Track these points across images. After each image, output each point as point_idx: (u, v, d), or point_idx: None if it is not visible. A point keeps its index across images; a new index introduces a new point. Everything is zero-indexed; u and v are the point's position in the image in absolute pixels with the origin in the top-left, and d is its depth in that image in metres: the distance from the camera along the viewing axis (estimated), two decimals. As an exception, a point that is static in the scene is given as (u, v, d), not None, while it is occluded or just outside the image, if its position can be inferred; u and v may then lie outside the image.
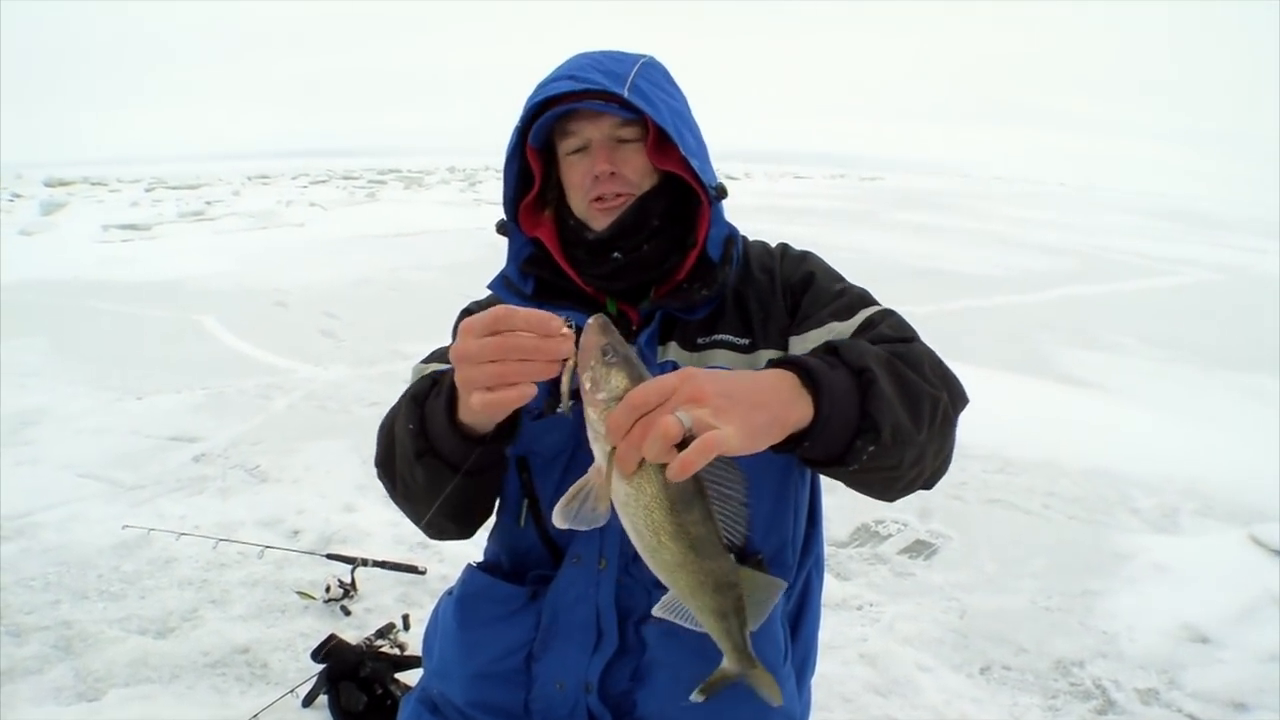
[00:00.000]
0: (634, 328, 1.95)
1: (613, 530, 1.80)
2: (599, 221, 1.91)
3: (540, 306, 1.81)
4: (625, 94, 1.79)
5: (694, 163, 1.85)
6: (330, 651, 3.51)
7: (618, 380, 1.28)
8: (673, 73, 2.01)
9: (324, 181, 39.99)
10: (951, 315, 11.66)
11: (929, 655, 4.09)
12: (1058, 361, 9.49)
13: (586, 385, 1.30)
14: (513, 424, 1.69)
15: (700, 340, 1.92)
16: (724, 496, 1.32)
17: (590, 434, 1.31)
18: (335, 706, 3.40)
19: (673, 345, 1.92)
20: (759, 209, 26.68)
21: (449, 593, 2.11)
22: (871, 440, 1.44)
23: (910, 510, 5.47)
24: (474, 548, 2.19)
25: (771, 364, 1.48)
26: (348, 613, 4.28)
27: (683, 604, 1.43)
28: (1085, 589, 4.74)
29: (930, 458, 1.63)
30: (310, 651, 3.62)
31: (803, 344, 1.85)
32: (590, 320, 1.33)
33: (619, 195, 1.89)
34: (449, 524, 1.91)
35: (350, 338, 10.06)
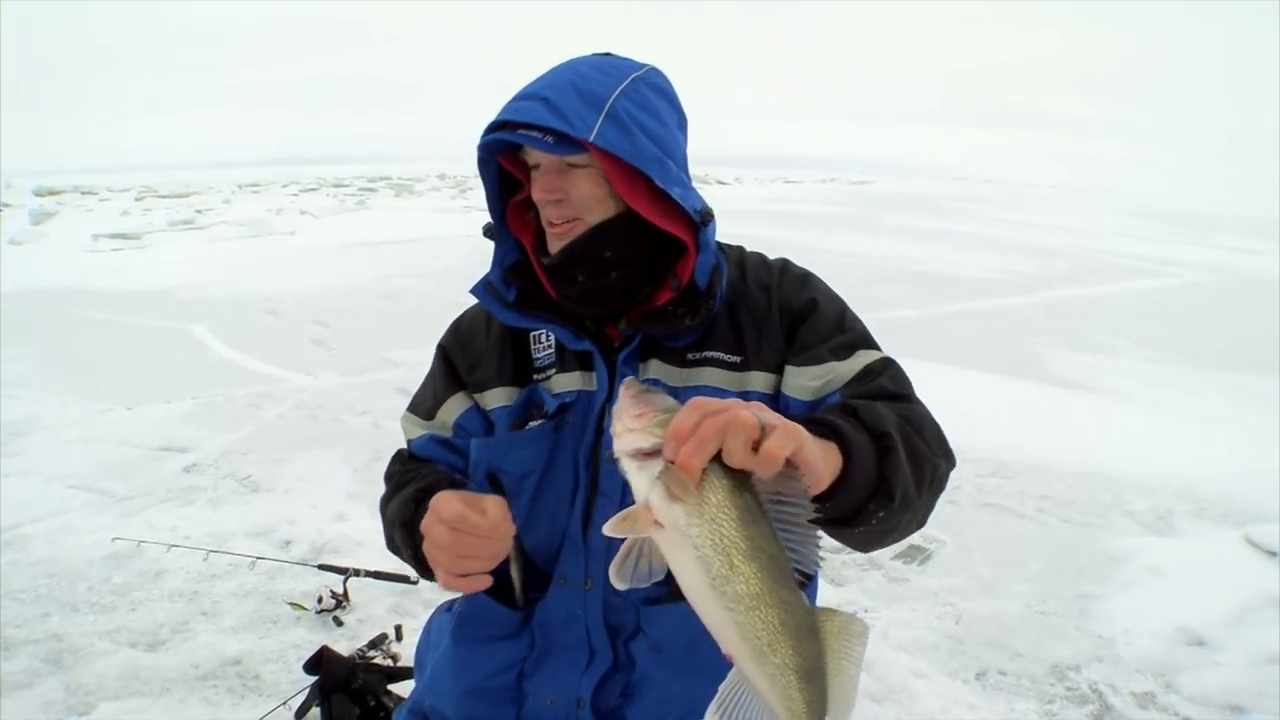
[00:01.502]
0: (615, 345, 1.92)
1: (596, 549, 1.84)
2: (551, 244, 1.88)
3: (520, 317, 1.95)
4: (592, 135, 1.70)
5: (675, 192, 1.78)
6: (322, 663, 3.48)
7: (666, 399, 1.21)
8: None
9: (314, 189, 40.03)
10: (944, 318, 11.67)
11: (924, 661, 4.07)
12: (1051, 364, 9.49)
13: (628, 412, 1.19)
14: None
15: (690, 356, 1.88)
16: (788, 519, 1.12)
17: (631, 467, 1.16)
18: (328, 719, 3.37)
19: (655, 363, 1.88)
20: (750, 214, 26.73)
21: (445, 608, 2.11)
22: (884, 505, 1.42)
23: (904, 515, 5.45)
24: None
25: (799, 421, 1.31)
26: (340, 623, 4.25)
27: (745, 681, 1.14)
28: (1080, 593, 4.73)
29: (920, 518, 1.63)
30: (302, 663, 3.60)
31: (800, 377, 1.82)
32: (626, 379, 1.28)
33: (567, 221, 1.83)
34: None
35: (341, 346, 10.03)
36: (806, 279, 2.01)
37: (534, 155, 1.82)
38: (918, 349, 9.28)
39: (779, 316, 1.90)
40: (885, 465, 1.43)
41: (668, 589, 1.75)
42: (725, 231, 1.99)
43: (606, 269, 1.84)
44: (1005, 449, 6.62)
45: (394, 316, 11.75)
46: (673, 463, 1.10)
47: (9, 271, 15.23)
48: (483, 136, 1.84)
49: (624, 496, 1.77)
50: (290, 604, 4.41)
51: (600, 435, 1.87)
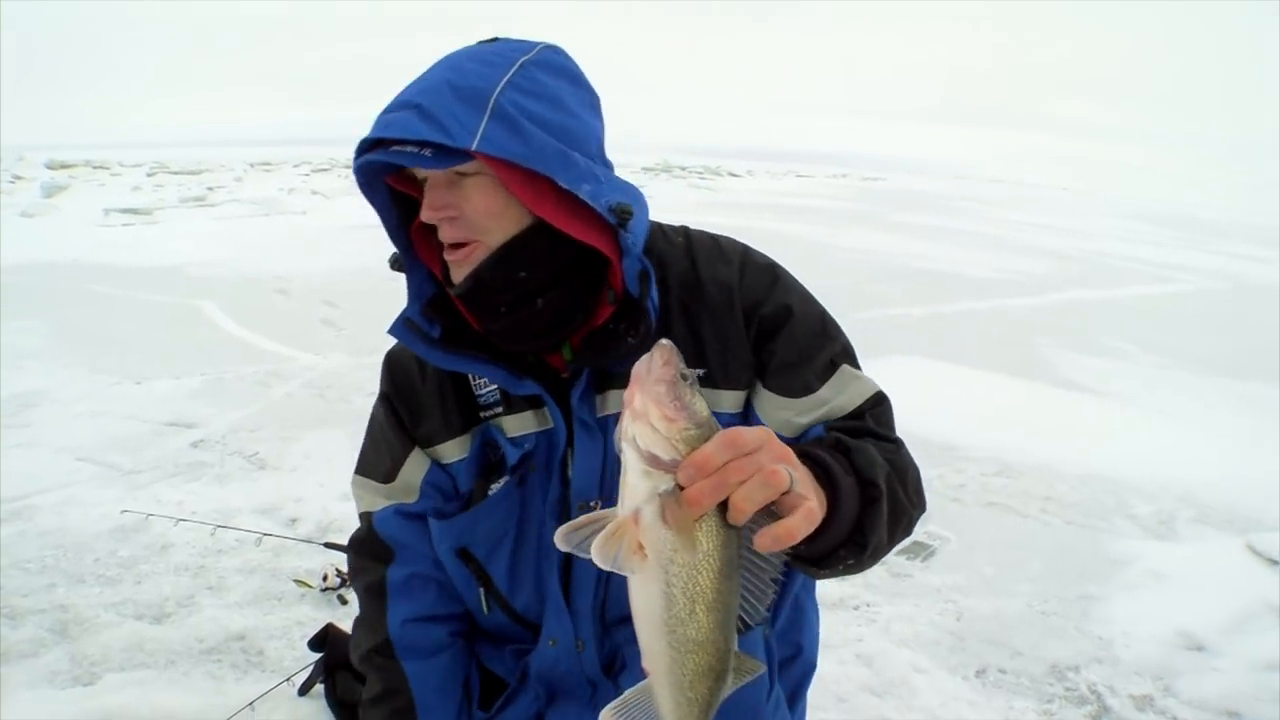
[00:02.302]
0: (564, 375, 1.74)
1: (581, 612, 1.75)
2: (454, 272, 1.66)
3: (449, 357, 1.72)
4: (474, 143, 1.47)
5: (583, 190, 1.55)
6: (327, 640, 3.51)
7: (702, 408, 1.09)
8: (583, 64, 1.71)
9: (326, 170, 39.98)
10: (951, 317, 11.66)
11: (925, 657, 4.08)
12: (1057, 366, 9.48)
13: (656, 405, 1.06)
14: None
15: None
16: (757, 567, 1.11)
17: (635, 465, 1.08)
18: (331, 696, 3.39)
19: (614, 393, 1.71)
20: (760, 207, 26.70)
21: None
22: (855, 554, 1.38)
23: (908, 512, 5.46)
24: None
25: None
26: (344, 602, 4.26)
27: (652, 698, 1.16)
28: (1082, 594, 4.74)
29: (878, 560, 1.52)
30: (306, 640, 3.62)
31: (785, 410, 1.67)
32: (661, 341, 1.11)
33: (464, 245, 1.61)
34: None
35: (350, 326, 10.04)
36: (773, 274, 1.79)
37: (419, 170, 1.62)
38: (924, 347, 9.31)
39: (745, 322, 1.72)
40: (865, 515, 1.37)
41: None
42: (735, 225, 1.86)
43: (528, 295, 1.63)
44: (1010, 449, 6.62)
45: (403, 298, 11.67)
46: (681, 488, 1.04)
47: (19, 244, 15.25)
48: (354, 160, 1.61)
49: None
50: (295, 581, 4.42)
51: (566, 485, 1.73)
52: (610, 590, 1.75)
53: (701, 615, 1.08)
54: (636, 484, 1.08)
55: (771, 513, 1.07)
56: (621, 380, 1.53)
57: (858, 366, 1.72)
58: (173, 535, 4.81)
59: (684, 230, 1.85)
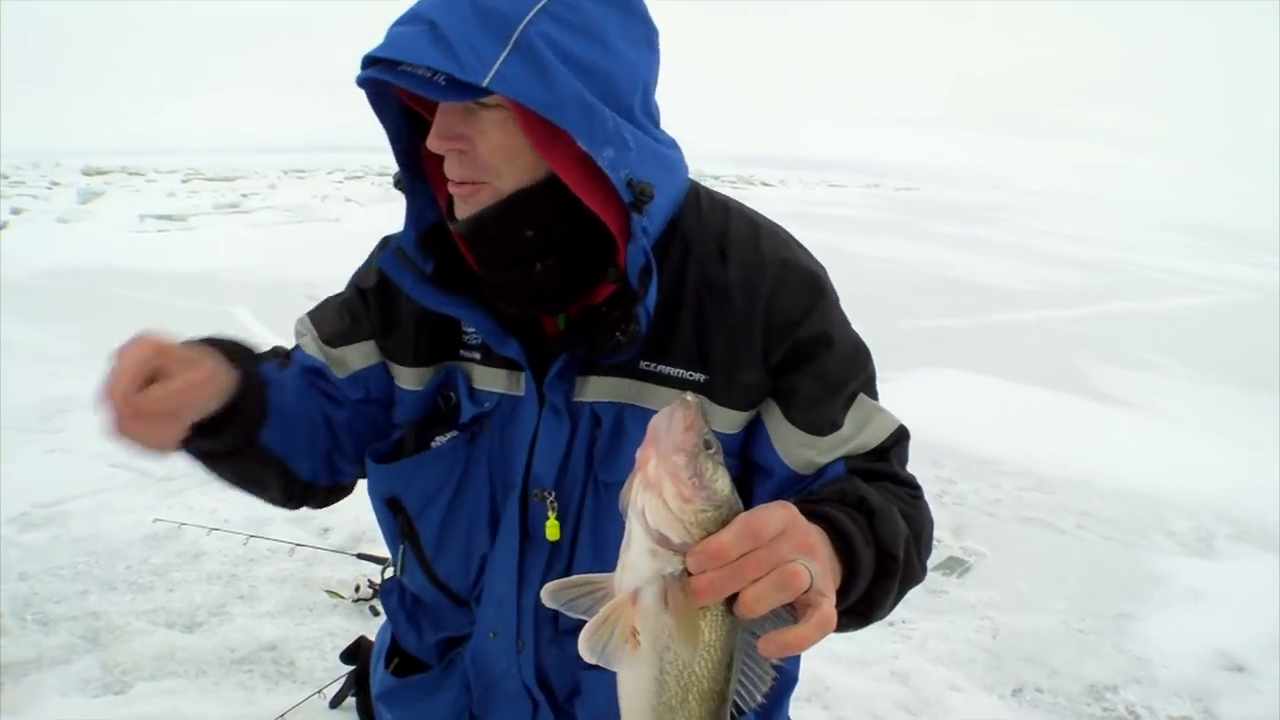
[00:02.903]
0: (548, 346, 1.52)
1: (527, 610, 1.58)
2: (458, 208, 1.45)
3: (437, 295, 1.52)
4: (487, 79, 1.24)
5: (605, 153, 1.31)
6: (360, 653, 3.50)
7: (723, 485, 0.98)
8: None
9: (359, 177, 40.09)
10: (986, 329, 11.59)
11: (961, 675, 4.05)
12: (1093, 379, 9.42)
13: (673, 480, 0.96)
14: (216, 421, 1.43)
15: (643, 366, 1.49)
16: (755, 657, 1.00)
17: (641, 541, 0.98)
18: (363, 709, 3.38)
19: (595, 379, 1.51)
20: (793, 215, 26.60)
21: (376, 652, 1.92)
22: (858, 623, 1.30)
23: (944, 527, 5.42)
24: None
25: (812, 513, 1.13)
26: (376, 613, 4.25)
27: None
28: (1119, 611, 4.69)
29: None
30: (338, 651, 3.61)
31: (807, 449, 1.47)
32: (685, 397, 0.99)
33: (472, 184, 1.40)
34: (255, 496, 1.67)
35: (383, 334, 10.05)
36: (817, 290, 1.54)
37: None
38: (959, 359, 9.26)
39: (764, 336, 1.49)
40: (876, 588, 1.26)
41: None
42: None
43: (528, 256, 1.43)
44: (1046, 463, 6.57)
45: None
46: (689, 573, 0.95)
47: (56, 249, 15.34)
48: (360, 73, 1.36)
49: (554, 546, 1.54)
50: (327, 591, 4.42)
51: (530, 470, 1.55)
52: None
53: (694, 704, 1.00)
54: (639, 562, 0.98)
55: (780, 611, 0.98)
56: (606, 369, 1.49)
57: (876, 396, 1.56)
58: (205, 543, 4.82)
59: (725, 205, 1.59)
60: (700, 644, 0.97)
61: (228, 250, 15.97)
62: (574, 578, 1.03)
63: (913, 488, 1.49)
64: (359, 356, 1.68)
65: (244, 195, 28.75)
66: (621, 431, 1.50)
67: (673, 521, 0.95)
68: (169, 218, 21.20)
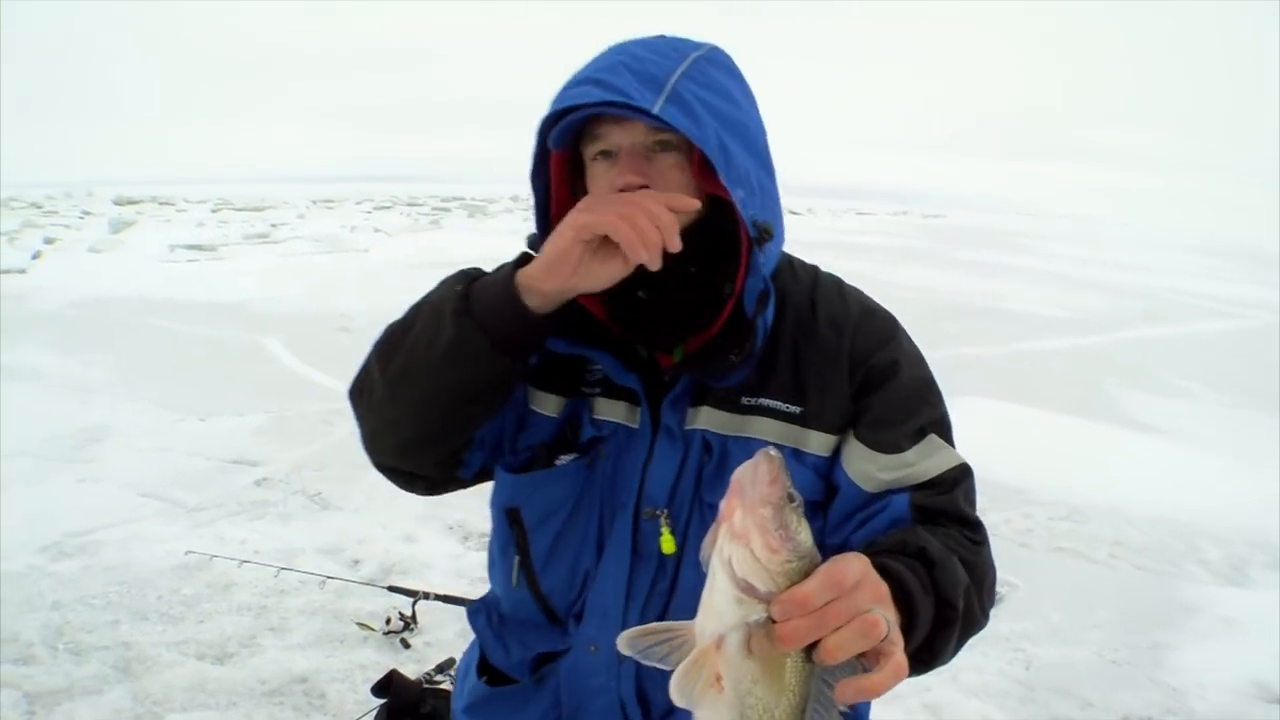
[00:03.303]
0: (664, 378, 1.66)
1: (632, 622, 1.63)
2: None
3: (566, 343, 1.66)
4: (656, 108, 1.43)
5: (737, 193, 1.48)
6: (391, 686, 3.49)
7: (806, 537, 1.02)
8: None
9: (388, 207, 40.38)
10: (1017, 356, 11.56)
11: (994, 707, 4.01)
12: (1124, 406, 9.37)
13: (760, 533, 1.00)
14: (559, 318, 1.53)
15: (745, 401, 1.63)
16: (827, 699, 1.03)
17: (726, 589, 1.02)
18: (393, 741, 3.37)
19: (706, 409, 1.64)
20: (822, 244, 26.66)
21: (463, 668, 1.96)
22: (917, 670, 1.28)
23: (974, 556, 5.39)
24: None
25: (873, 560, 1.14)
26: (407, 646, 4.26)
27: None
28: (1153, 642, 4.65)
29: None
30: (369, 684, 3.60)
31: (868, 464, 1.57)
32: (769, 451, 1.04)
33: None
34: (417, 444, 1.69)
35: (411, 364, 10.08)
36: (891, 328, 1.72)
37: (613, 138, 1.55)
38: (989, 387, 9.21)
39: (849, 367, 1.65)
40: (936, 637, 1.30)
41: None
42: (798, 261, 1.80)
43: (679, 286, 1.57)
44: (1078, 492, 6.53)
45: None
46: (773, 621, 0.99)
47: (88, 279, 15.48)
48: (541, 131, 1.57)
49: (662, 561, 1.63)
50: (358, 624, 4.43)
51: (642, 490, 1.65)
52: (669, 613, 1.65)
53: None
54: (725, 609, 1.02)
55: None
56: (717, 396, 1.62)
57: (950, 441, 1.65)
58: (235, 574, 4.83)
59: (814, 270, 1.80)
60: (783, 689, 1.01)
61: (257, 280, 16.09)
62: (652, 625, 1.08)
63: (975, 529, 1.56)
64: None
65: (273, 225, 29.00)
66: (727, 458, 1.60)
67: (759, 571, 0.99)
68: (199, 247, 21.39)
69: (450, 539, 5.46)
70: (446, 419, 1.62)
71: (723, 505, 1.03)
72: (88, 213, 32.73)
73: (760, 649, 1.00)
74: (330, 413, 7.96)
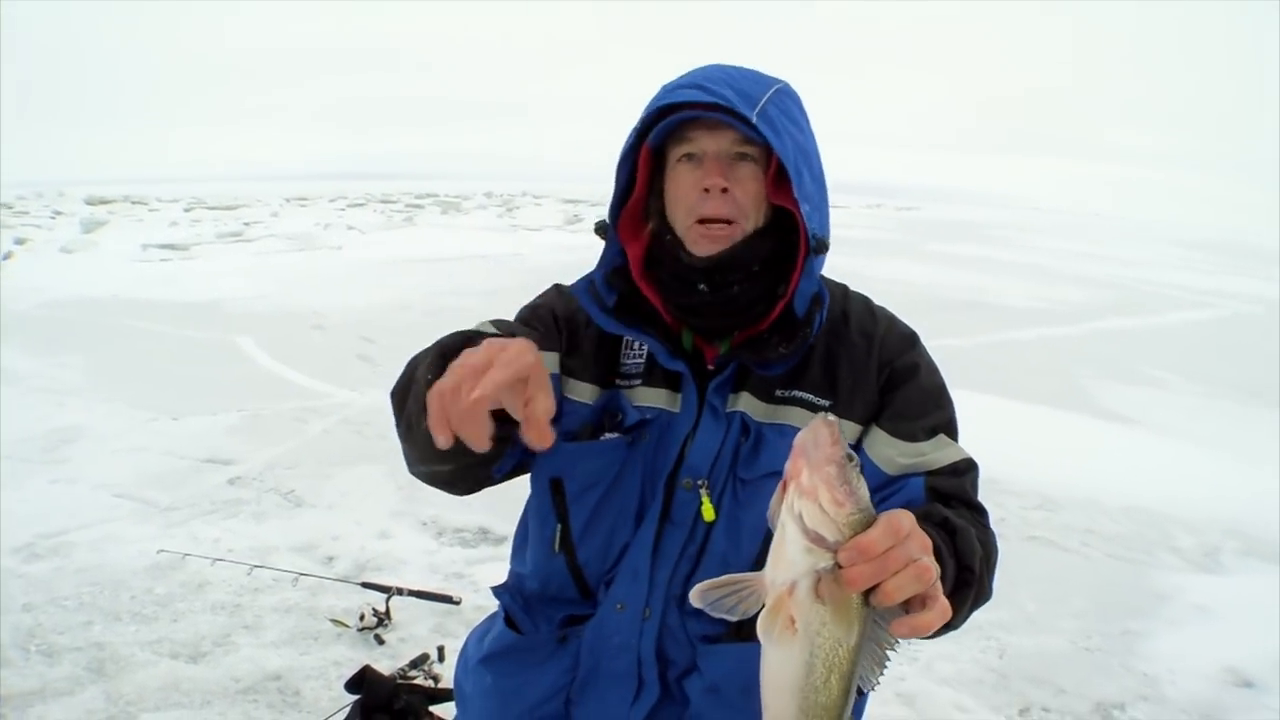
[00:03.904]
0: (709, 367, 1.84)
1: (660, 583, 1.77)
2: (700, 247, 1.76)
3: (618, 324, 1.84)
4: (753, 118, 1.64)
5: (804, 207, 1.70)
6: (365, 682, 3.48)
7: (865, 492, 1.14)
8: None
9: (362, 205, 40.20)
10: (990, 347, 11.60)
11: (968, 695, 4.03)
12: (1097, 396, 9.42)
13: (827, 488, 1.11)
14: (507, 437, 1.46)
15: (779, 393, 1.79)
16: (878, 639, 1.17)
17: (797, 540, 1.12)
18: (367, 738, 3.36)
19: (745, 395, 1.80)
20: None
21: (479, 635, 2.04)
22: (936, 634, 1.33)
23: (948, 546, 5.40)
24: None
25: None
26: (381, 642, 4.25)
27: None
28: (1126, 629, 4.68)
29: None
30: (343, 681, 3.60)
31: (888, 448, 1.75)
32: (827, 417, 1.16)
33: (728, 223, 1.73)
34: (442, 485, 1.79)
35: (387, 363, 10.03)
36: (913, 339, 1.92)
37: (702, 142, 1.74)
38: (962, 378, 9.19)
39: (877, 369, 1.83)
40: (954, 598, 1.39)
41: (728, 627, 1.72)
42: (833, 281, 1.92)
43: (738, 281, 1.76)
44: (1051, 482, 6.56)
45: (440, 334, 11.71)
46: (839, 567, 1.11)
47: (60, 280, 15.37)
48: (640, 125, 1.78)
49: (694, 527, 1.76)
50: (332, 621, 4.42)
51: (680, 463, 1.80)
52: (697, 576, 1.74)
53: (835, 684, 1.14)
54: (796, 558, 1.12)
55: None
56: (755, 385, 1.79)
57: (957, 440, 1.83)
58: (209, 573, 4.82)
59: (844, 286, 1.98)
60: (849, 628, 1.13)
61: (231, 279, 16.01)
62: (723, 578, 1.20)
63: (982, 514, 1.74)
64: (547, 362, 1.81)
65: (246, 224, 28.84)
66: (762, 440, 1.77)
67: (828, 523, 1.11)
68: (172, 247, 21.27)
69: (424, 535, 5.45)
70: (457, 472, 1.72)
71: (788, 466, 1.15)
72: (59, 212, 32.47)
73: (831, 594, 1.11)
74: (304, 410, 7.94)
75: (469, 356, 1.28)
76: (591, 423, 1.88)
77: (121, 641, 4.23)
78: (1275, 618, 4.79)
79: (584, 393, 1.90)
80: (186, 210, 36.08)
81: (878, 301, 1.98)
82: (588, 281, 1.89)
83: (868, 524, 1.11)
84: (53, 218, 30.45)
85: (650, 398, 1.86)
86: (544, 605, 1.92)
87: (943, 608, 1.14)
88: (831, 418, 1.15)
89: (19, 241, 21.65)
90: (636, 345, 1.91)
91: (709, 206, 1.73)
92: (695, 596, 1.19)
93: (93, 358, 9.81)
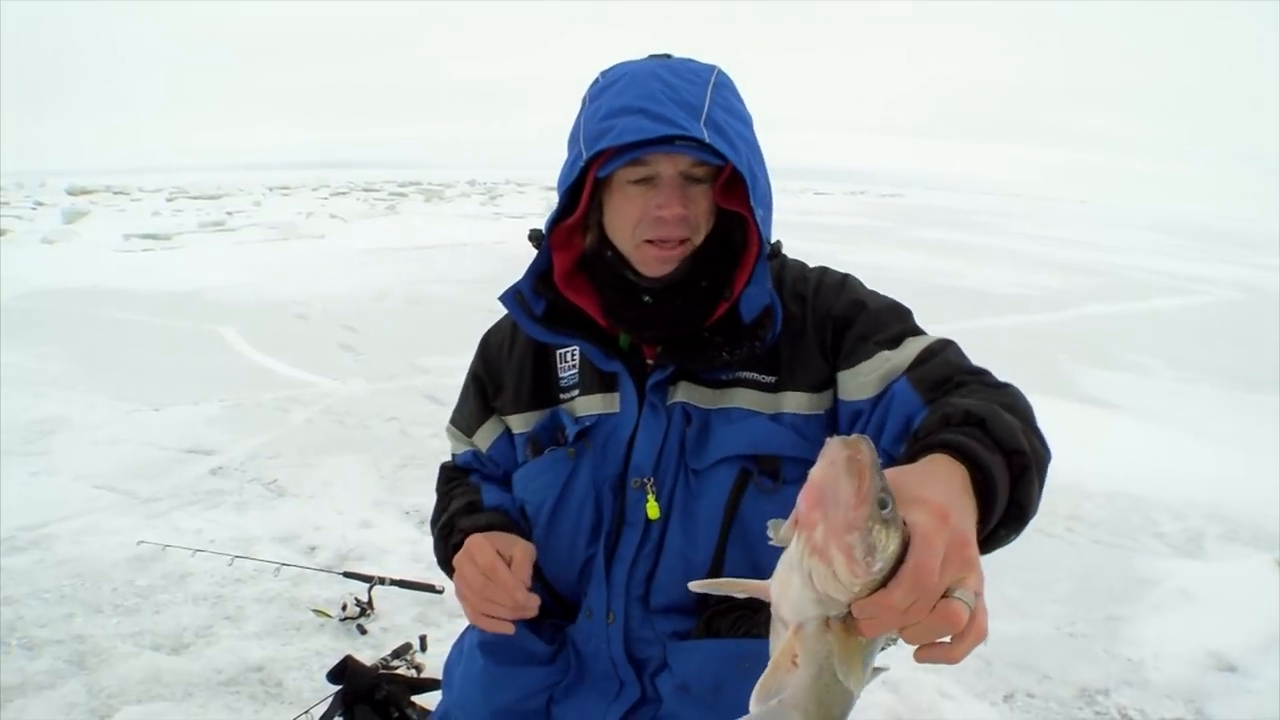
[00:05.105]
0: (649, 361, 1.84)
1: (617, 584, 1.80)
2: (651, 267, 1.75)
3: (548, 333, 1.87)
4: (705, 136, 1.60)
5: (759, 213, 1.70)
6: (346, 673, 3.47)
7: (894, 546, 0.97)
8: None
9: (344, 193, 40.21)
10: (973, 334, 11.54)
11: (951, 682, 4.03)
12: (1079, 382, 9.43)
13: (845, 558, 0.95)
14: None
15: (723, 377, 1.78)
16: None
17: (805, 594, 1.00)
18: (350, 728, 3.35)
19: (684, 385, 1.80)
20: (779, 225, 26.60)
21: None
22: (1016, 529, 1.32)
23: (932, 532, 5.40)
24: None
25: (930, 444, 1.26)
26: (364, 632, 4.24)
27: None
28: (1110, 615, 4.68)
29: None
30: (325, 671, 3.58)
31: (856, 378, 1.69)
32: (856, 442, 0.97)
33: (681, 242, 1.73)
34: None
35: (369, 351, 10.04)
36: (844, 282, 1.88)
37: (656, 165, 1.68)
38: (946, 364, 9.23)
39: (815, 329, 1.78)
40: (1019, 489, 1.28)
41: (697, 623, 1.75)
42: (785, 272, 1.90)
43: (684, 293, 1.76)
44: (1034, 467, 6.56)
45: (423, 323, 11.76)
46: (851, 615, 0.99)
47: (41, 270, 15.32)
48: (591, 154, 1.67)
49: (647, 526, 1.77)
50: (314, 611, 4.40)
51: (628, 464, 1.80)
52: (657, 575, 1.77)
53: (835, 713, 1.07)
54: (802, 605, 1.01)
55: None
56: (691, 380, 1.79)
57: (922, 334, 1.76)
58: (191, 564, 4.79)
59: (782, 258, 1.94)
60: (858, 659, 1.03)
61: (213, 269, 15.98)
62: (723, 580, 1.18)
63: (985, 374, 1.64)
64: (488, 434, 2.05)
65: (229, 213, 28.83)
66: (708, 428, 1.76)
67: (840, 588, 0.97)
68: (154, 237, 21.23)
69: (406, 524, 5.43)
70: None
71: (801, 502, 0.99)
72: (40, 203, 32.44)
73: (839, 637, 1.00)
74: (286, 400, 7.92)
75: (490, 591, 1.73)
76: (537, 444, 1.93)
77: (103, 634, 4.20)
78: (1257, 601, 4.81)
79: (523, 422, 1.97)
80: (169, 200, 36.08)
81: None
82: (515, 292, 1.88)
83: (892, 572, 0.96)
84: (34, 208, 30.43)
85: (589, 405, 1.88)
86: (540, 616, 1.90)
87: (978, 634, 1.02)
88: (865, 450, 0.96)
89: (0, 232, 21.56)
90: (569, 357, 1.94)
91: (664, 229, 1.71)
92: (696, 586, 1.18)
93: (73, 348, 9.77)
